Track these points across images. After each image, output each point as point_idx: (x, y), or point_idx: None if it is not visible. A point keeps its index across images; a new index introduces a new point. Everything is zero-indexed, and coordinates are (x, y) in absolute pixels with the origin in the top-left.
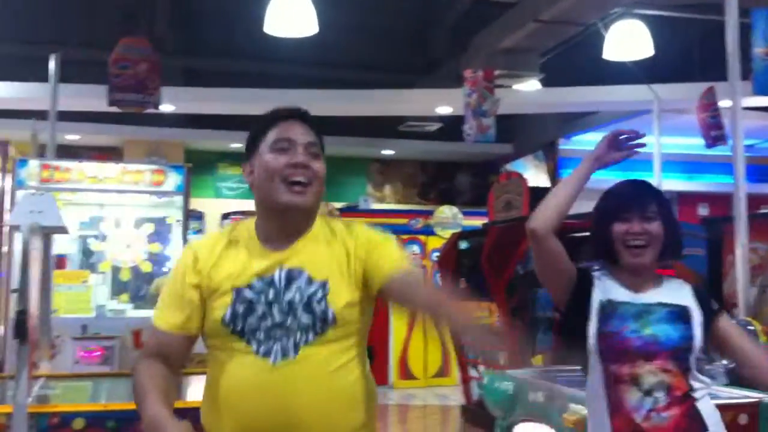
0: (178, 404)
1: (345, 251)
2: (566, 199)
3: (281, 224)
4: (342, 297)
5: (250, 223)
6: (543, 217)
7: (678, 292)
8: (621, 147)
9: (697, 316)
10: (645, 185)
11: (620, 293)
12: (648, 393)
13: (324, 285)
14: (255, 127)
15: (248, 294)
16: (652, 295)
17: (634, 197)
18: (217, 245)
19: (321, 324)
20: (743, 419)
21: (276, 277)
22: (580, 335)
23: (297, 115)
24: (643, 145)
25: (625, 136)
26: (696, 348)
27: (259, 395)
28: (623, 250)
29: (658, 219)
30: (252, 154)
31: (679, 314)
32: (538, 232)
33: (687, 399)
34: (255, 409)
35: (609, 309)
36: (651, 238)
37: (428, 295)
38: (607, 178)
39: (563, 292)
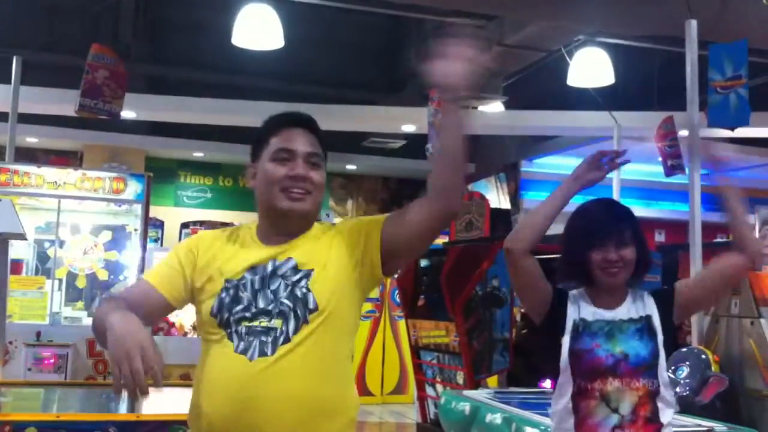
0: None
1: (337, 241)
2: (544, 219)
3: (280, 226)
4: (327, 284)
5: (253, 224)
6: (518, 237)
7: (642, 302)
8: (601, 166)
9: (658, 326)
10: (618, 208)
11: (591, 312)
12: (615, 410)
13: (309, 273)
14: (259, 131)
15: (235, 283)
16: (620, 311)
17: (610, 224)
18: (216, 240)
19: (302, 310)
20: None
21: (266, 268)
22: (552, 352)
23: (301, 122)
24: (627, 161)
25: (607, 157)
26: (662, 364)
27: (231, 391)
28: (599, 273)
29: (632, 244)
30: (255, 159)
31: (646, 329)
32: (512, 251)
33: (653, 422)
34: (224, 403)
35: (582, 327)
36: (626, 263)
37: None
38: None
39: (539, 309)
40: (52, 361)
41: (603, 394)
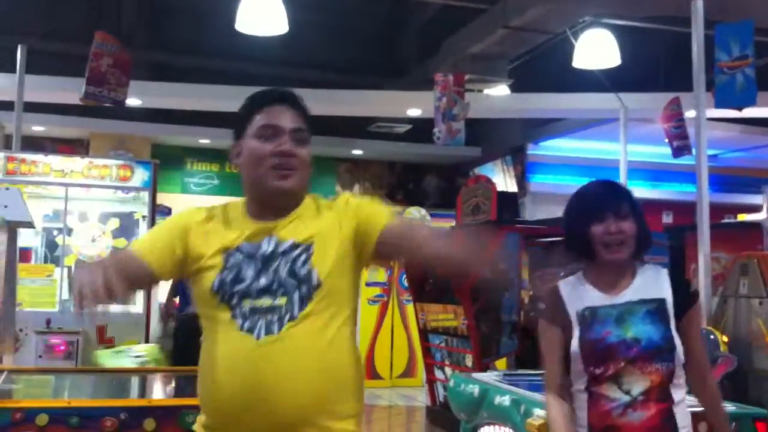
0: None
1: (332, 216)
2: None
3: (269, 204)
4: (327, 259)
5: (241, 201)
6: None
7: (655, 282)
8: None
9: (671, 310)
10: (615, 185)
11: (597, 297)
12: (627, 392)
13: (308, 247)
14: (243, 109)
15: (237, 257)
16: (630, 293)
17: (607, 198)
18: (209, 214)
19: (307, 287)
20: (702, 428)
21: (264, 244)
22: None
23: (285, 98)
24: None
25: None
26: (679, 347)
27: (238, 371)
28: (602, 249)
29: (630, 217)
30: (239, 136)
31: (658, 311)
32: None
33: (665, 401)
34: (234, 384)
35: (589, 316)
36: (626, 236)
37: (429, 234)
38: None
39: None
40: (62, 348)
41: (616, 376)
